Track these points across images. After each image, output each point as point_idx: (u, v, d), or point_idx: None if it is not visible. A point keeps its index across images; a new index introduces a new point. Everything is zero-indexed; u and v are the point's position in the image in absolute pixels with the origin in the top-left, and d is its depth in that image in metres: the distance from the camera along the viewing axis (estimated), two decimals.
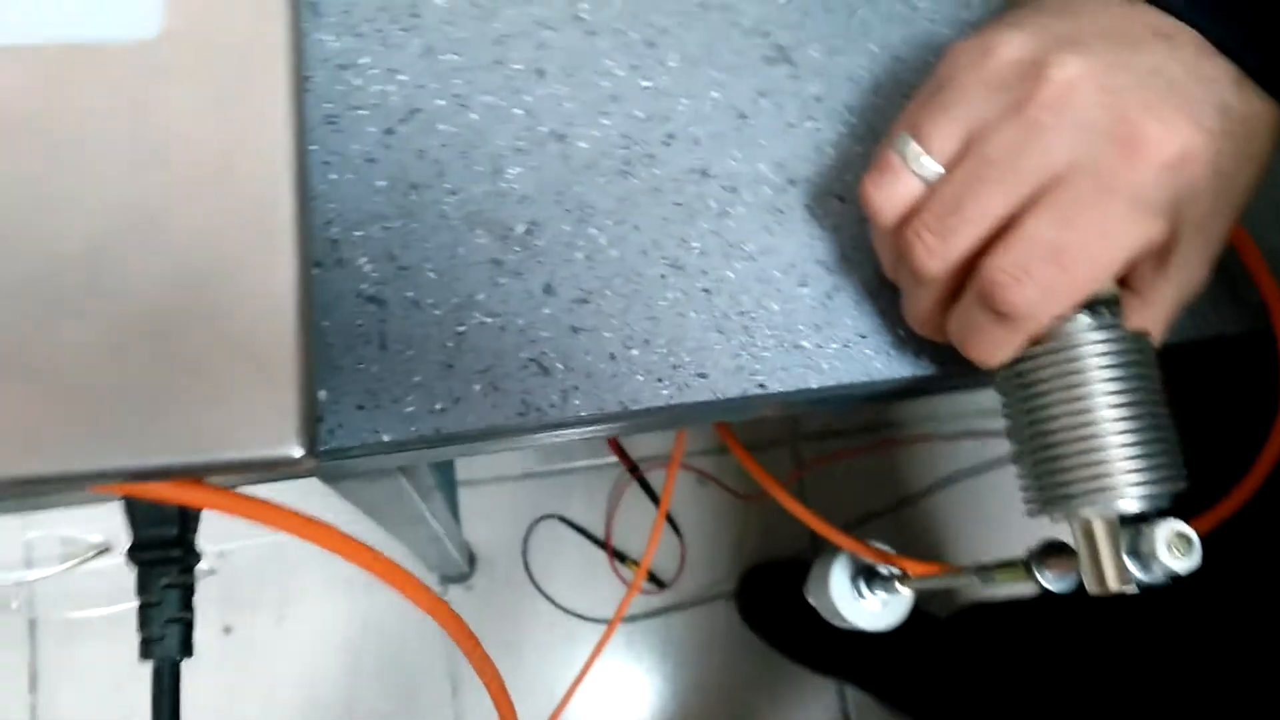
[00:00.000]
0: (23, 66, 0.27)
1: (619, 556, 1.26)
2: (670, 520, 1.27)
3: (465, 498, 1.24)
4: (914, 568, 0.50)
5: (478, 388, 0.37)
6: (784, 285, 0.40)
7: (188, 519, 0.29)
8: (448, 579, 1.23)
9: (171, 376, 0.26)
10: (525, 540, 1.26)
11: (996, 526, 1.30)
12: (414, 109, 0.40)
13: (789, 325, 0.39)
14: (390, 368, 0.37)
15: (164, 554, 0.28)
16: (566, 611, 1.24)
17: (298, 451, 0.26)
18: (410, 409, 0.36)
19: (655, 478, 1.28)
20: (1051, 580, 0.37)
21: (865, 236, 0.40)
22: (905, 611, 0.55)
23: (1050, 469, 0.34)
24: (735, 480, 1.30)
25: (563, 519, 1.27)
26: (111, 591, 1.13)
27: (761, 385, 0.39)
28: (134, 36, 0.28)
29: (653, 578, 1.27)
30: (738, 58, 0.42)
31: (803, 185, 0.41)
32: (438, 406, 0.37)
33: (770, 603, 1.25)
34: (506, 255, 0.39)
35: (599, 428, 0.40)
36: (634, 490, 1.28)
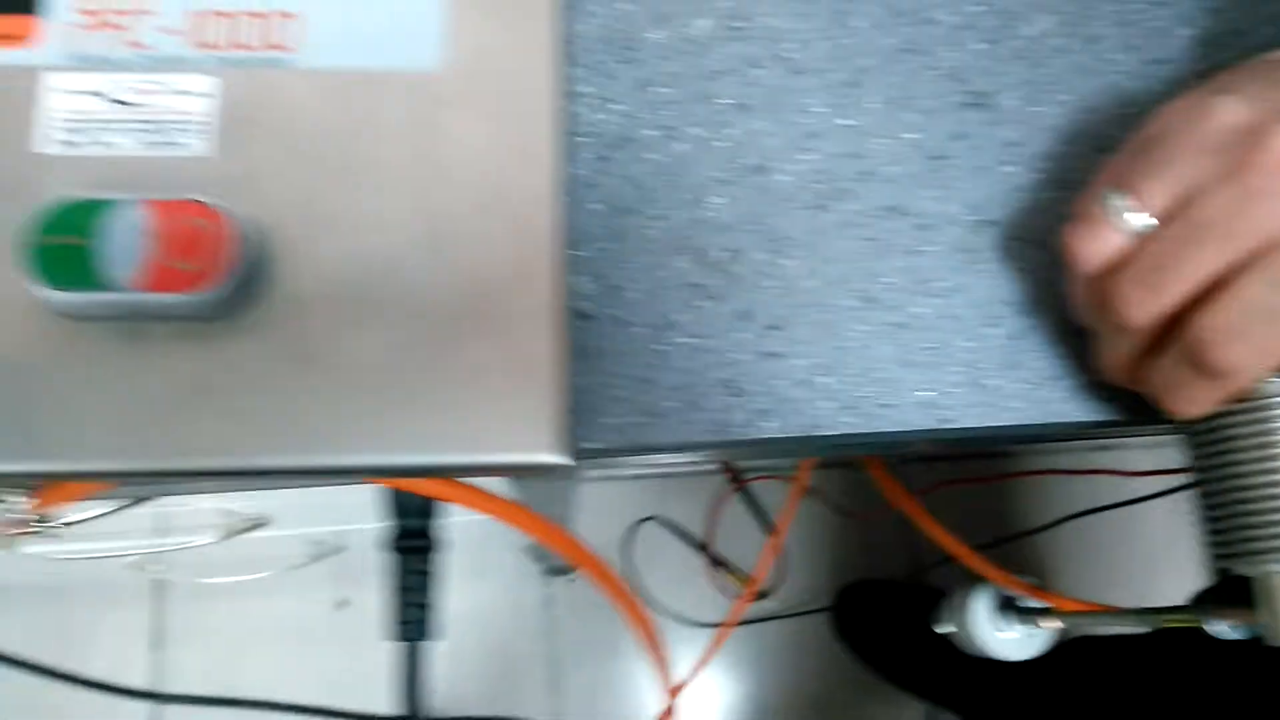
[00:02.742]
0: (323, 89, 0.30)
1: (717, 563, 1.28)
2: (772, 530, 1.29)
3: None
4: (1065, 604, 0.51)
5: (675, 405, 0.40)
6: (973, 324, 0.41)
7: (435, 511, 0.32)
8: (553, 570, 1.26)
9: (452, 381, 0.29)
10: (627, 540, 1.28)
11: (1108, 567, 1.29)
12: (627, 137, 0.42)
13: (976, 363, 0.41)
14: (595, 381, 0.39)
15: (417, 542, 0.30)
16: (664, 613, 1.26)
17: (566, 459, 0.28)
18: (612, 420, 0.39)
19: (757, 488, 1.29)
20: (1227, 631, 0.38)
21: (1054, 281, 0.41)
22: (1046, 645, 0.56)
23: (1240, 523, 0.35)
24: (840, 495, 1.30)
25: (664, 521, 1.29)
26: (235, 562, 1.18)
27: (947, 421, 0.40)
28: (418, 67, 0.31)
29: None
30: (936, 101, 0.43)
31: (994, 227, 0.42)
32: (637, 420, 0.39)
33: (866, 621, 1.25)
34: (706, 280, 0.41)
35: (776, 451, 0.42)
36: (735, 498, 1.29)
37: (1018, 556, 1.33)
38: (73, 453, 0.28)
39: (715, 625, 1.25)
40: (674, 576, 1.28)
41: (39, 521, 0.31)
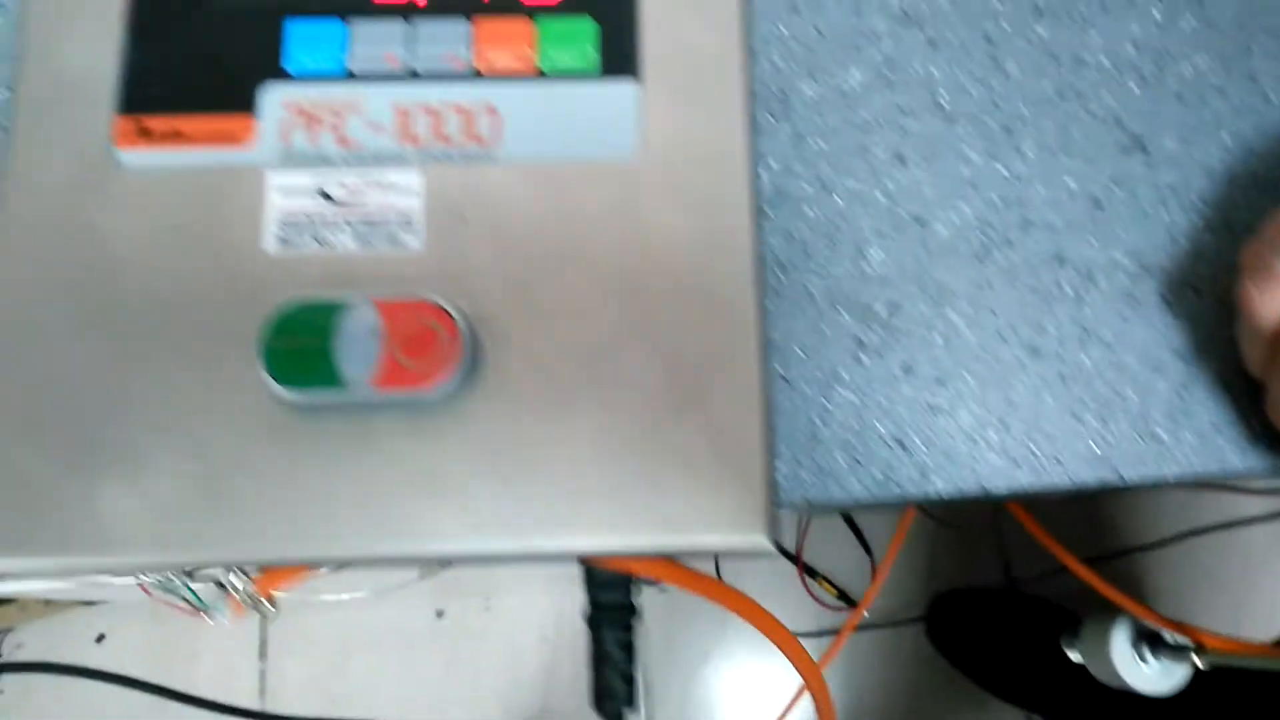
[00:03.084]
0: (527, 182, 0.31)
1: (809, 572, 1.28)
2: (862, 539, 1.28)
3: None
4: (1212, 642, 0.51)
5: (842, 461, 0.40)
6: (1140, 374, 0.41)
7: (634, 583, 0.32)
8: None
9: (660, 464, 0.29)
10: None
11: (1210, 587, 1.26)
12: (784, 193, 0.42)
13: (1144, 414, 0.40)
14: None
15: (616, 615, 0.31)
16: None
17: (769, 545, 0.29)
18: (780, 476, 0.39)
19: None
20: None
21: (1220, 327, 0.41)
22: (1185, 678, 0.55)
23: None
24: (932, 503, 1.29)
25: None
26: (341, 577, 1.21)
27: (1118, 473, 0.40)
28: (617, 157, 0.32)
29: (843, 596, 1.28)
30: (1093, 146, 0.43)
31: (1157, 274, 0.42)
32: (805, 477, 0.40)
33: (961, 629, 1.24)
34: (868, 335, 0.41)
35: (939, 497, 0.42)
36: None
37: (1120, 570, 1.31)
38: (302, 541, 0.29)
39: (809, 634, 1.25)
40: (764, 585, 1.28)
41: (257, 598, 0.32)
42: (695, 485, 0.29)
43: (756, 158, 0.32)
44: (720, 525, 0.29)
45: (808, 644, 1.26)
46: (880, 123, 0.43)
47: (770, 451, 0.30)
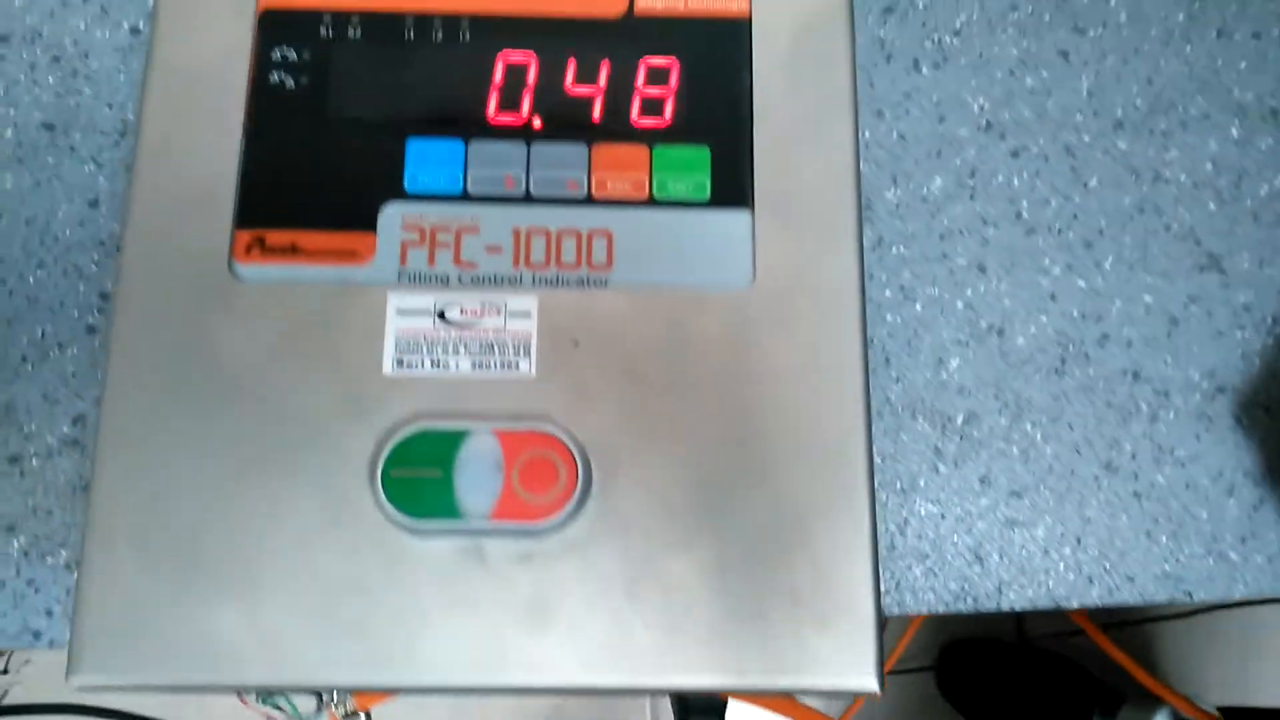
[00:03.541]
0: (639, 308, 0.31)
1: None
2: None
3: None
4: None
5: (918, 573, 0.40)
6: (1212, 494, 0.41)
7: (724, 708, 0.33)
8: None
9: (769, 603, 0.29)
10: None
11: (1217, 661, 1.27)
12: (866, 298, 0.43)
13: (1216, 534, 0.41)
14: None
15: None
16: None
17: (878, 688, 0.29)
18: None
19: None
20: None
21: None
22: None
23: None
24: None
25: None
26: None
27: (1188, 593, 0.40)
28: (730, 286, 0.32)
29: None
30: (1170, 262, 0.43)
31: (1231, 393, 0.42)
32: (882, 588, 0.40)
33: (971, 678, 1.24)
34: (946, 445, 0.41)
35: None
36: None
37: (1136, 637, 1.31)
38: (415, 670, 0.29)
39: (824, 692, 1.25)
40: None
41: (354, 713, 0.33)
42: (804, 625, 0.30)
43: (865, 290, 0.33)
44: (829, 669, 0.29)
45: (819, 703, 1.26)
46: (960, 230, 0.44)
47: (879, 593, 0.30)
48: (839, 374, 0.31)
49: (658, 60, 0.34)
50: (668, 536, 0.30)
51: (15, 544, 0.39)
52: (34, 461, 0.39)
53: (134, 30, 0.44)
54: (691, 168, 0.33)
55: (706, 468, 0.31)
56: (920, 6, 0.45)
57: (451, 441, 0.29)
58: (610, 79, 0.33)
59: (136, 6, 0.44)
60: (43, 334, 0.40)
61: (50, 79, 0.43)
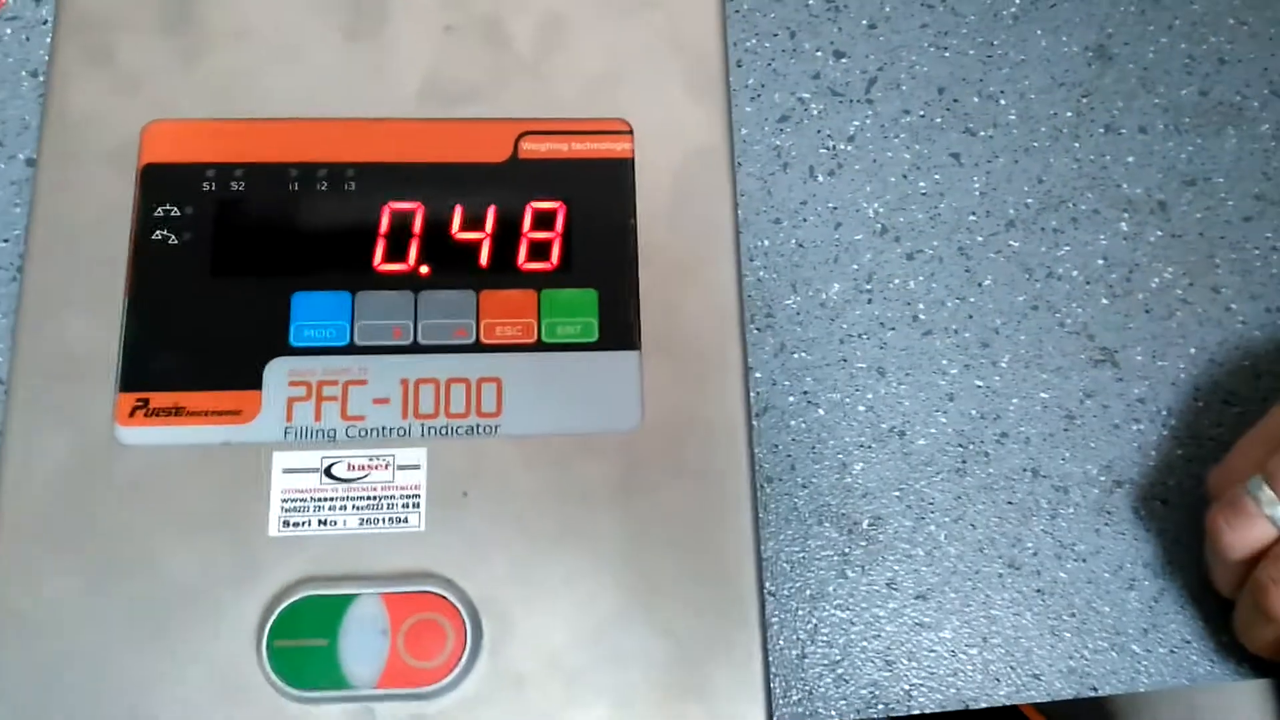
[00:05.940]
0: (528, 455, 0.32)
1: None
2: None
3: None
4: None
5: (829, 680, 0.41)
6: (1113, 587, 0.42)
7: None
8: None
9: None
10: None
11: None
12: (769, 405, 0.43)
13: (1119, 628, 0.42)
14: None
15: None
16: None
17: None
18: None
19: None
20: None
21: (1188, 541, 0.43)
22: None
23: None
24: None
25: None
26: None
27: (1093, 689, 0.41)
28: (622, 428, 0.32)
29: None
30: (1065, 359, 0.45)
31: (1129, 487, 0.43)
32: (793, 697, 0.40)
33: None
34: (852, 549, 0.42)
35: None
36: None
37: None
38: None
39: None
40: None
41: None
42: None
43: (754, 426, 0.33)
44: None
45: None
46: (859, 335, 0.44)
47: None
48: (728, 510, 0.32)
49: (544, 204, 0.34)
50: (562, 692, 0.30)
51: None
52: None
53: (29, 161, 0.44)
54: (579, 310, 0.33)
55: (599, 616, 0.31)
56: (815, 114, 0.46)
57: (336, 608, 0.29)
58: (497, 224, 0.34)
59: (31, 138, 0.44)
60: None
61: None
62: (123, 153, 0.34)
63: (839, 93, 0.47)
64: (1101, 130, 0.47)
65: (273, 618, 0.29)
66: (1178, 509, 0.43)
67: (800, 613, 0.41)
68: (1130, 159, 0.47)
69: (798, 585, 0.41)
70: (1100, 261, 0.46)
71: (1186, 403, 0.45)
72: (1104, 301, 0.45)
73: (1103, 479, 0.43)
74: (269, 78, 0.35)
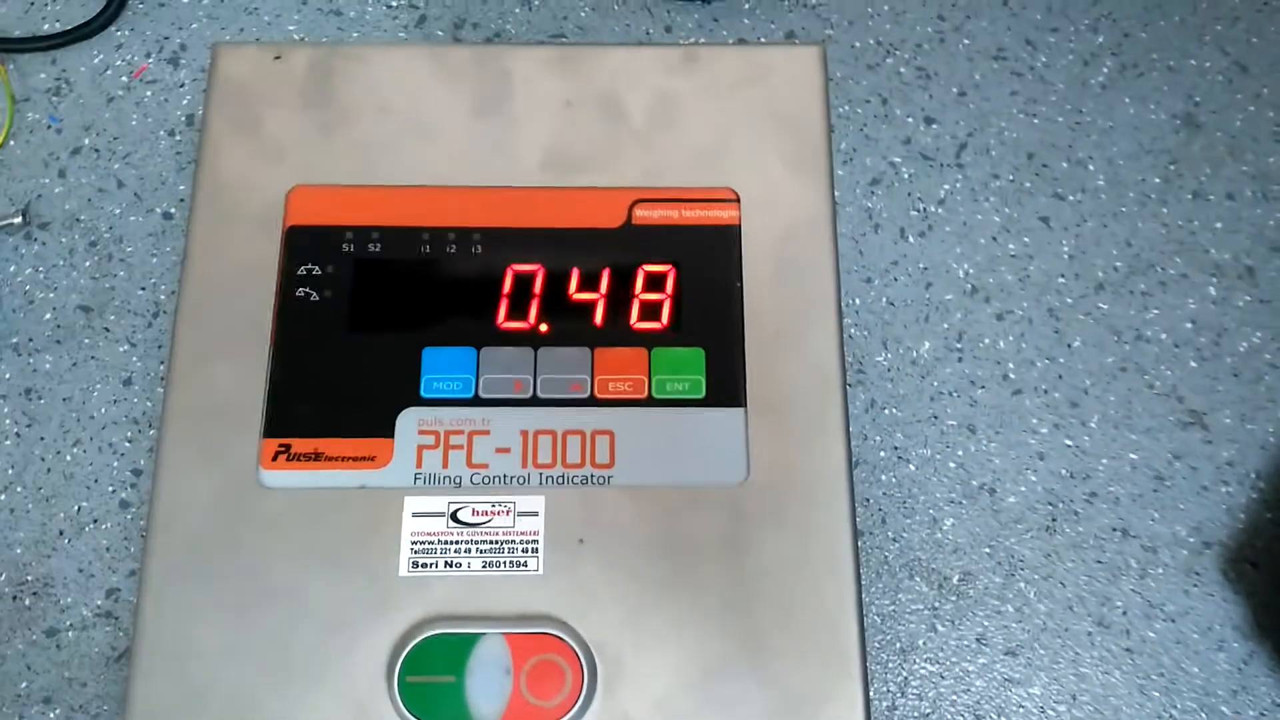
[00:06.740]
0: (640, 505, 0.33)
1: None
2: None
3: None
4: None
5: None
6: (1202, 648, 0.42)
7: None
8: None
9: None
10: None
11: None
12: (859, 459, 0.45)
13: (1208, 689, 0.42)
14: None
15: None
16: None
17: None
18: None
19: None
20: None
21: (1278, 605, 0.43)
22: None
23: None
24: None
25: None
26: None
27: None
28: (728, 482, 0.34)
29: None
30: (1154, 421, 0.45)
31: (1217, 548, 0.44)
32: None
33: None
34: (943, 604, 0.43)
35: None
36: None
37: None
38: None
39: None
40: None
41: None
42: None
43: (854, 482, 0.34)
44: None
45: None
46: (950, 392, 0.46)
47: None
48: (830, 564, 0.33)
49: (655, 267, 0.36)
50: None
51: (51, 716, 0.40)
52: (70, 634, 0.41)
53: (166, 215, 0.47)
54: (687, 368, 0.35)
55: (706, 663, 0.32)
56: (906, 177, 0.48)
57: (463, 646, 0.31)
58: (611, 285, 0.36)
59: (168, 192, 0.47)
60: (78, 509, 0.43)
61: (87, 263, 0.46)
62: (269, 215, 0.37)
63: (929, 157, 0.49)
64: (1189, 196, 0.48)
65: (404, 654, 0.31)
66: (1266, 572, 0.43)
67: (891, 665, 0.42)
68: (1218, 224, 0.48)
69: (888, 638, 0.42)
70: (1188, 325, 0.47)
71: (1275, 466, 0.45)
72: (1193, 364, 0.46)
73: (1191, 540, 0.44)
74: (403, 149, 0.38)
